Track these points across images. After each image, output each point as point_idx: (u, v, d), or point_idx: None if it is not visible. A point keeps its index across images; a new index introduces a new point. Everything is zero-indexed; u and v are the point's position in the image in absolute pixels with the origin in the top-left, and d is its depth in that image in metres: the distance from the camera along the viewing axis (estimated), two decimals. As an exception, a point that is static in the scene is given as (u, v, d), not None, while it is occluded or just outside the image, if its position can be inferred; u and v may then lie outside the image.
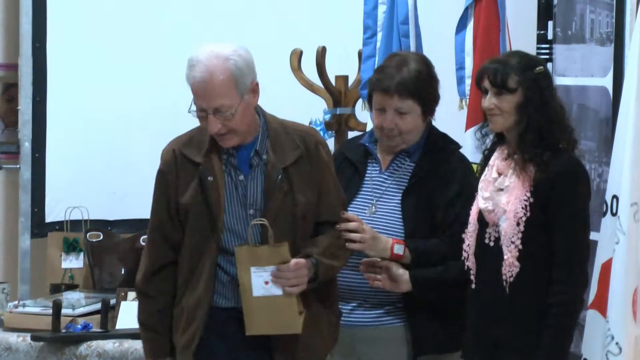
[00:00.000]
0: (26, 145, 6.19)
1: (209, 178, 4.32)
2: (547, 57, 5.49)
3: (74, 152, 6.06)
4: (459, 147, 4.80)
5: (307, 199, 4.36)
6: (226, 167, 4.36)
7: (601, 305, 4.69)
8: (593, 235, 4.81)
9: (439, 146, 4.73)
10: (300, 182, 4.36)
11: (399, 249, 4.58)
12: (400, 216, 4.65)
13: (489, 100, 4.43)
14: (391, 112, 4.62)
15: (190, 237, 4.36)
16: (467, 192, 4.60)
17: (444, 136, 4.81)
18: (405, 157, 4.70)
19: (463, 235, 4.52)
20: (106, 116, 5.56)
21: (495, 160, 4.50)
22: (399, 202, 4.66)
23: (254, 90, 4.35)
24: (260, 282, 4.28)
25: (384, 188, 4.71)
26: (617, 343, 4.60)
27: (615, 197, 4.70)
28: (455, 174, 4.68)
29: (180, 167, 4.38)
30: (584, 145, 5.21)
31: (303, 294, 4.33)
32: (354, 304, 4.67)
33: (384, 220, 4.66)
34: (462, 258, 4.50)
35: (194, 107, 4.26)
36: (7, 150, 6.37)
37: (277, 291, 4.29)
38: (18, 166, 6.25)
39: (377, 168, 4.74)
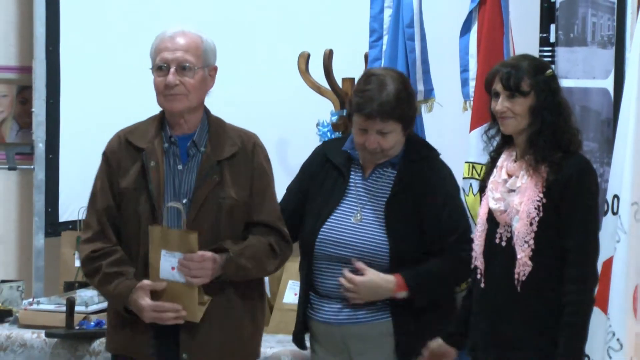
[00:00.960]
0: (40, 147, 6.19)
1: (151, 163, 4.40)
2: (549, 59, 5.49)
3: (87, 153, 6.04)
4: (438, 154, 4.83)
5: (237, 195, 4.40)
6: (167, 154, 4.43)
7: (602, 302, 4.69)
8: (595, 234, 4.83)
9: (421, 154, 4.75)
10: (232, 178, 4.42)
11: (401, 295, 4.63)
12: (384, 224, 4.66)
13: (501, 104, 4.42)
14: (373, 134, 4.63)
15: (126, 225, 4.42)
16: (452, 202, 4.69)
17: (424, 143, 4.87)
18: (387, 166, 4.72)
19: (472, 236, 4.54)
20: (118, 117, 5.52)
21: (504, 162, 4.49)
22: (383, 210, 4.67)
23: (212, 73, 4.48)
24: (168, 266, 4.33)
25: (368, 196, 4.72)
26: (618, 339, 4.61)
27: (616, 196, 4.71)
28: (439, 183, 4.71)
29: (124, 152, 4.46)
30: (586, 146, 5.22)
31: (219, 289, 4.36)
32: (343, 304, 4.69)
33: (369, 228, 4.67)
34: (470, 260, 4.52)
35: (153, 65, 4.43)
36: (21, 152, 6.38)
37: (181, 279, 4.31)
38: (32, 167, 6.26)
39: (360, 174, 4.75)
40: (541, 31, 5.55)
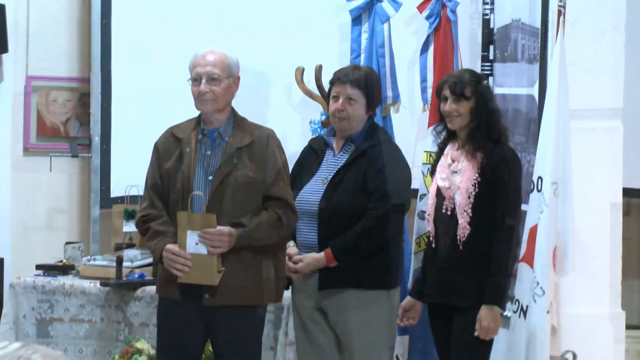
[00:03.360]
0: (96, 139, 6.18)
1: (186, 149, 4.43)
2: (489, 72, 5.48)
3: (132, 144, 6.06)
4: (391, 138, 4.87)
5: (253, 174, 4.39)
6: (199, 143, 4.45)
7: (529, 259, 4.70)
8: (523, 207, 4.83)
9: (377, 135, 4.73)
10: (249, 161, 4.41)
11: (334, 265, 4.59)
12: (333, 185, 4.65)
13: (449, 105, 4.46)
14: (343, 99, 4.65)
15: (169, 196, 4.44)
16: (391, 174, 4.60)
17: (383, 131, 4.87)
18: (350, 143, 4.72)
19: (423, 207, 4.54)
20: (157, 118, 5.54)
21: (449, 150, 4.53)
22: (340, 174, 4.66)
23: (236, 82, 4.51)
24: (193, 242, 4.31)
25: (334, 166, 4.71)
26: (541, 287, 4.62)
27: (540, 177, 4.71)
28: (387, 158, 4.66)
29: (169, 142, 4.50)
30: (517, 139, 5.22)
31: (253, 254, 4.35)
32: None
33: (330, 188, 4.64)
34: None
35: (191, 77, 4.46)
36: (81, 143, 6.35)
37: (204, 251, 4.30)
38: (90, 155, 6.24)
39: (332, 153, 4.76)
40: (483, 50, 5.54)
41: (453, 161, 4.51)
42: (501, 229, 4.37)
